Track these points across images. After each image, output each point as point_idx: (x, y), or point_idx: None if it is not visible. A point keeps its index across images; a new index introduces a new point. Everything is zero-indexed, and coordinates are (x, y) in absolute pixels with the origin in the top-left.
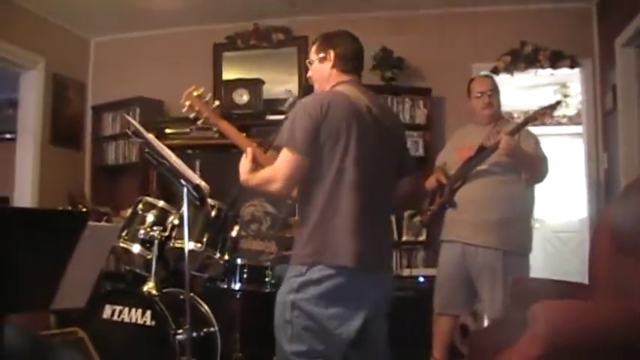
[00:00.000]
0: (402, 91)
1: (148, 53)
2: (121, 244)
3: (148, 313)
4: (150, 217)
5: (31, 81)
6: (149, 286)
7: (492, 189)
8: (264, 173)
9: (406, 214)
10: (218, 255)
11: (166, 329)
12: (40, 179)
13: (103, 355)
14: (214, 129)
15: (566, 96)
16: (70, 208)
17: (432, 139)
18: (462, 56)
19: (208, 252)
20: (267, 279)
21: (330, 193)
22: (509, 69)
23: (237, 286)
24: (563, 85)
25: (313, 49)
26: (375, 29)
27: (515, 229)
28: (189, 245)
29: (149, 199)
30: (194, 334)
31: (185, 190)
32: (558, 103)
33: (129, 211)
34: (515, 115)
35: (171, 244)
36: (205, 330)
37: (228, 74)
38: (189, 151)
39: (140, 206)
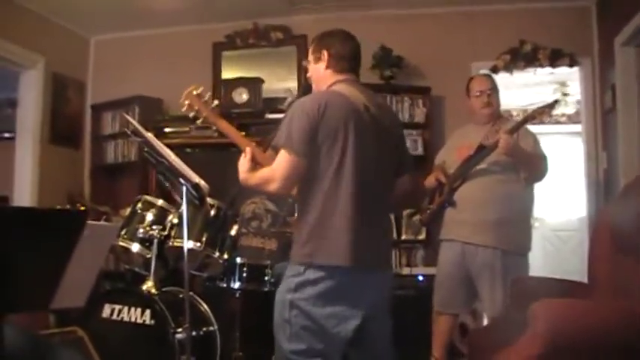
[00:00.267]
0: (401, 90)
1: (147, 52)
2: (121, 243)
3: (148, 312)
4: (149, 216)
5: (31, 80)
6: (148, 285)
7: (492, 188)
8: (262, 173)
9: (406, 212)
10: (217, 254)
11: (166, 328)
12: (40, 178)
13: (102, 355)
14: (213, 128)
15: (565, 95)
16: (69, 207)
17: (431, 137)
18: (461, 55)
19: (208, 251)
20: (266, 278)
21: (328, 193)
22: (509, 68)
23: (236, 284)
24: (563, 84)
25: (310, 49)
26: (374, 28)
27: (514, 228)
28: (188, 244)
29: (148, 198)
30: (193, 333)
31: (184, 189)
32: (557, 101)
33: (128, 210)
34: (515, 114)
35: (171, 243)
36: (205, 329)
37: (227, 73)
38: (189, 150)
39: (139, 205)
